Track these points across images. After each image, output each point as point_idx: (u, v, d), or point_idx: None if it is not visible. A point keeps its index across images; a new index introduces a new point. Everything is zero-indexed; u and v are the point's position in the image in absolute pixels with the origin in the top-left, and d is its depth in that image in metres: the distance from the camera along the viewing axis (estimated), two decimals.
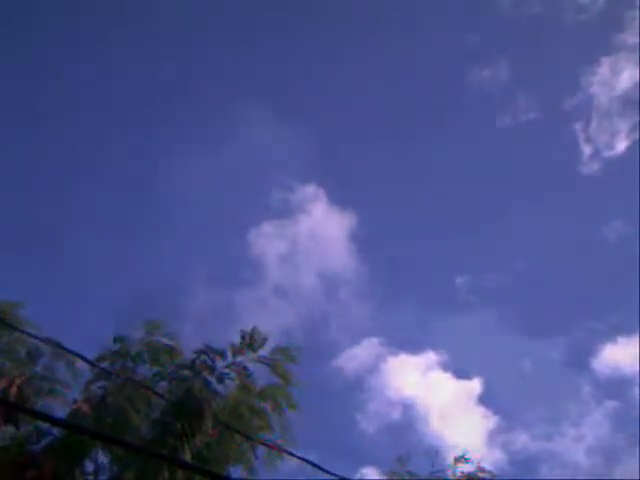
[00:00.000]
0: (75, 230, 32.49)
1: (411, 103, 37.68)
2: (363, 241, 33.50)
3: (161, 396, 16.71)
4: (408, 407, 24.66)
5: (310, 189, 34.92)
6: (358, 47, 37.12)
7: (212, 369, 17.05)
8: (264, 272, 32.13)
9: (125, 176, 35.14)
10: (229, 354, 17.08)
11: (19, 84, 33.35)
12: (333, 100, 37.09)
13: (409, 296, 33.11)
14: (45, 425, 15.82)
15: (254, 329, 17.15)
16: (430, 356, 29.36)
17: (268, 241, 33.72)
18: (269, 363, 17.13)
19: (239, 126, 34.81)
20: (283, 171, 35.13)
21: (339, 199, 34.50)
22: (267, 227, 34.28)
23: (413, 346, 29.08)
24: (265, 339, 17.20)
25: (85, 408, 15.51)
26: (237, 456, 16.65)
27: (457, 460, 18.06)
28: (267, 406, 16.85)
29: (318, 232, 34.77)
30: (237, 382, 16.90)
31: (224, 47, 36.80)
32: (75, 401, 16.16)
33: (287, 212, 34.96)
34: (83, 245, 31.51)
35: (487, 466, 19.17)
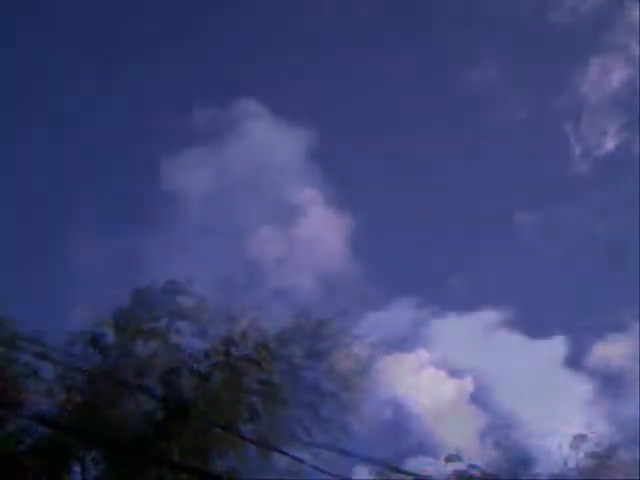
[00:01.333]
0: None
1: (408, 103, 37.86)
2: (360, 241, 33.57)
3: (144, 392, 16.75)
4: (402, 406, 24.60)
5: (308, 190, 35.03)
6: (357, 47, 37.32)
7: (197, 369, 17.18)
8: (261, 275, 32.16)
9: (125, 179, 35.35)
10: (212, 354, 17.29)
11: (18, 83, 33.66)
12: (332, 100, 37.25)
13: (406, 295, 33.11)
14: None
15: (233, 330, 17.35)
16: (425, 355, 29.33)
17: (266, 243, 33.78)
18: (251, 357, 17.31)
19: (238, 126, 34.94)
20: (281, 172, 35.24)
21: (337, 200, 34.60)
22: (265, 229, 34.35)
23: (408, 345, 29.03)
24: (245, 336, 17.36)
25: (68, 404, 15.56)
26: (225, 449, 16.71)
27: (448, 459, 18.13)
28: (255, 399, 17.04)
29: (315, 233, 34.83)
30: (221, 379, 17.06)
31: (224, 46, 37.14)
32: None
33: (284, 213, 35.08)
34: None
35: (481, 464, 19.30)
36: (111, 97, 36.04)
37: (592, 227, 35.65)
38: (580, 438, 19.22)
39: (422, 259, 35.88)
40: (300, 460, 15.19)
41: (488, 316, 32.48)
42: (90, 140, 35.10)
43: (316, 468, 15.97)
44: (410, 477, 16.79)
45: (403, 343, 28.70)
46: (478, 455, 19.53)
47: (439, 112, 37.14)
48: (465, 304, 32.38)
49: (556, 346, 30.76)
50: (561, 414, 22.51)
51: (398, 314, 31.53)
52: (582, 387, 27.90)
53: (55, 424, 15.31)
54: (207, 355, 17.16)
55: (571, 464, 19.22)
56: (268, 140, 34.88)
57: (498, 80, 36.11)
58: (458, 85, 36.45)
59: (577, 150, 35.87)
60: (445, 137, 36.81)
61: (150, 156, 34.63)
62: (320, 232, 34.84)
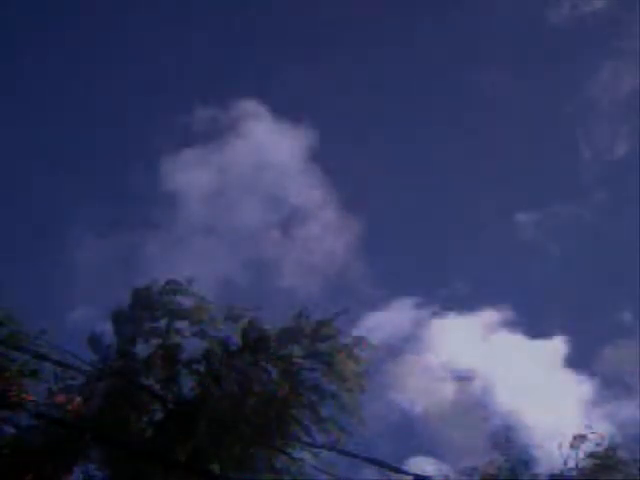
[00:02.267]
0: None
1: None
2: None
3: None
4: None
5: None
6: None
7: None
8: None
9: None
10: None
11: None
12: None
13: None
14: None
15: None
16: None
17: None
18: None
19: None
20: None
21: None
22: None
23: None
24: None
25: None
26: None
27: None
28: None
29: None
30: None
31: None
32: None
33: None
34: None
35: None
36: (111, 97, 36.16)
37: (594, 228, 35.74)
38: (580, 438, 19.21)
39: (422, 259, 35.96)
40: (300, 460, 15.20)
41: (488, 316, 32.48)
42: (90, 139, 35.21)
43: (316, 468, 15.98)
44: (410, 477, 16.81)
45: (403, 343, 28.74)
46: (479, 454, 19.55)
47: (441, 113, 37.22)
48: (465, 304, 32.40)
49: (556, 346, 30.75)
50: (561, 414, 22.50)
51: (398, 314, 31.54)
52: (582, 387, 27.89)
53: (67, 424, 15.26)
54: (207, 355, 17.11)
55: (571, 464, 19.22)
56: (268, 140, 34.95)
57: (509, 82, 36.19)
58: (462, 86, 36.52)
59: (586, 153, 35.96)
60: (446, 138, 36.85)
61: (150, 156, 34.68)
62: (320, 232, 34.88)
